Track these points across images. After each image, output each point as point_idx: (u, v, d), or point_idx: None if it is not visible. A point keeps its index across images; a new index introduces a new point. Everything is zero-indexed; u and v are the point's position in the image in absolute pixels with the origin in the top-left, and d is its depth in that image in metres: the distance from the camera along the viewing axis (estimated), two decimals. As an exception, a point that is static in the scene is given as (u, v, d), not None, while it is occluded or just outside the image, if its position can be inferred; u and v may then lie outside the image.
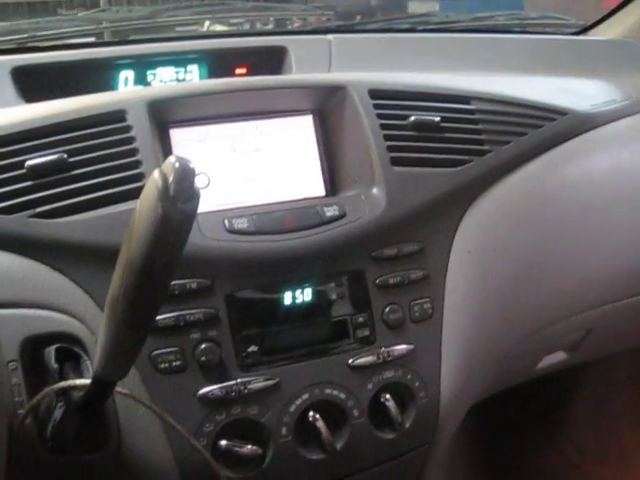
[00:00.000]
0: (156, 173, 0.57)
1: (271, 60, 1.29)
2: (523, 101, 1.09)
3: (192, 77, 1.27)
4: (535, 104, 1.09)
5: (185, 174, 0.57)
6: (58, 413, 0.77)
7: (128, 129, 0.87)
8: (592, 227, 1.11)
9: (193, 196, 0.58)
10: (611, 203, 1.13)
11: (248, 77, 1.24)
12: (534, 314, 1.06)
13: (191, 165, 0.57)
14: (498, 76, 1.24)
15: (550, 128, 1.08)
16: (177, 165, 0.57)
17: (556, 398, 1.65)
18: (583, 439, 1.63)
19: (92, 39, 1.42)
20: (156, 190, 0.56)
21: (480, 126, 1.03)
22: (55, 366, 0.79)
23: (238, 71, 1.29)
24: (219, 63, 1.28)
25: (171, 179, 0.57)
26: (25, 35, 1.32)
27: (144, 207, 0.58)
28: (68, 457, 0.79)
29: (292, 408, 0.87)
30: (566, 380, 1.58)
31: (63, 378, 0.78)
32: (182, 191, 0.57)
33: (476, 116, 1.04)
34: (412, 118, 0.98)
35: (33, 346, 0.79)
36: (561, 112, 1.10)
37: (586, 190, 1.11)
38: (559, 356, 1.25)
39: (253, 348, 0.87)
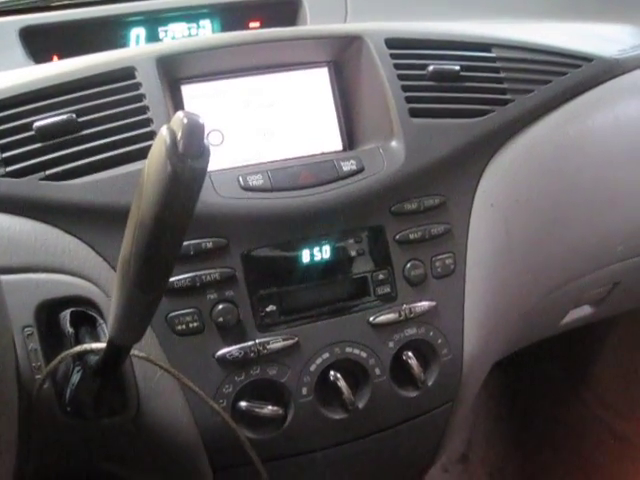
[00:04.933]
0: (164, 129, 0.55)
1: (285, 12, 1.26)
2: (546, 47, 1.05)
3: (205, 32, 1.25)
4: (559, 50, 1.05)
5: (194, 130, 0.54)
6: (76, 377, 0.77)
7: (137, 86, 0.85)
8: (620, 177, 1.07)
9: (203, 153, 0.55)
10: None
11: (260, 29, 1.21)
12: (560, 268, 1.04)
13: (200, 120, 0.55)
14: (520, 22, 1.19)
15: (575, 75, 1.04)
16: (185, 121, 0.54)
17: (582, 352, 1.64)
18: (608, 393, 1.61)
19: (101, -4, 1.40)
20: (164, 147, 0.54)
21: (502, 74, 0.99)
22: (71, 330, 0.78)
23: (252, 25, 1.27)
24: (232, 17, 1.26)
25: (179, 135, 0.54)
26: (33, -6, 1.29)
27: (153, 165, 0.56)
28: (87, 421, 0.78)
29: (312, 367, 0.86)
30: (592, 334, 1.56)
31: (79, 342, 0.77)
32: (191, 148, 0.54)
33: (497, 64, 1.00)
34: (431, 67, 0.95)
35: (48, 311, 0.78)
36: (586, 58, 1.06)
37: (613, 139, 1.07)
38: (585, 310, 1.22)
39: (271, 308, 0.85)
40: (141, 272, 0.61)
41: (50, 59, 1.13)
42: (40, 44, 1.13)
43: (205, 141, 0.56)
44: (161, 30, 1.23)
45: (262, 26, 1.26)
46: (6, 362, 0.58)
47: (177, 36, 1.24)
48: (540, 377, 1.72)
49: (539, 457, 1.69)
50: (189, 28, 1.24)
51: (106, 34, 1.18)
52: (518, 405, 1.75)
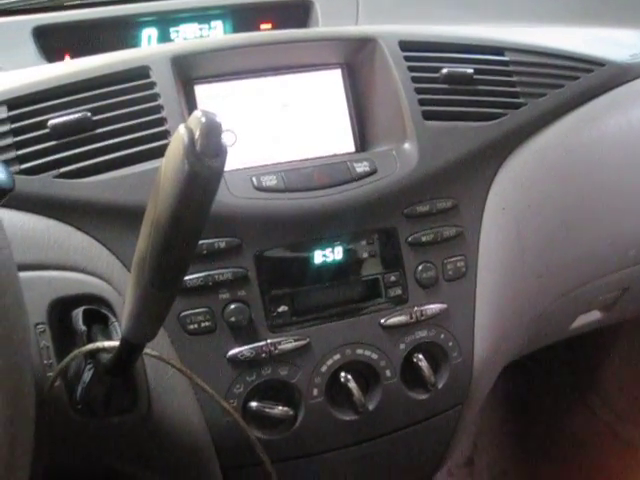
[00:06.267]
0: (182, 128, 0.55)
1: (297, 14, 1.27)
2: (559, 52, 1.05)
3: (216, 33, 1.25)
4: (571, 55, 1.05)
5: (212, 129, 0.54)
6: (87, 375, 0.77)
7: (152, 86, 0.85)
8: (631, 182, 1.07)
9: (220, 152, 0.55)
10: (651, 157, 1.09)
11: (274, 31, 1.21)
12: (570, 272, 1.04)
13: (218, 119, 0.55)
14: (533, 27, 1.19)
15: (587, 79, 1.04)
16: (203, 119, 0.54)
17: (589, 357, 1.64)
18: (616, 399, 1.61)
19: (114, -4, 1.40)
20: (182, 146, 0.54)
21: (514, 78, 1.00)
22: (83, 328, 0.78)
23: (263, 26, 1.27)
24: (243, 19, 1.26)
25: (197, 134, 0.54)
26: (46, -7, 1.30)
27: (170, 164, 0.56)
28: (98, 419, 0.78)
29: (323, 369, 0.86)
30: (599, 339, 1.56)
31: (91, 340, 0.77)
32: (209, 146, 0.54)
33: (510, 68, 1.00)
34: (444, 70, 0.95)
35: (61, 308, 0.79)
36: (599, 63, 1.06)
37: (625, 143, 1.07)
38: (594, 315, 1.22)
39: (283, 308, 0.85)
40: (157, 270, 0.61)
41: (62, 58, 1.14)
42: (53, 43, 1.13)
43: (222, 140, 0.56)
44: (173, 30, 1.23)
45: (273, 28, 1.27)
46: (24, 360, 0.58)
47: (189, 37, 1.24)
48: (547, 382, 1.71)
49: (545, 462, 1.68)
50: (200, 29, 1.25)
51: (118, 34, 1.19)
52: (524, 409, 1.75)
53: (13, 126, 0.81)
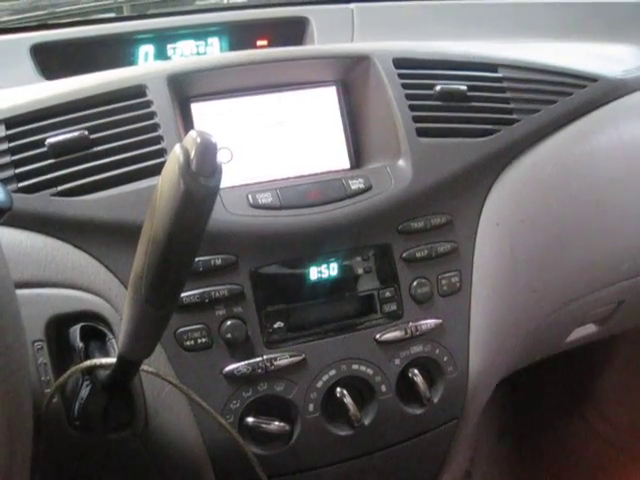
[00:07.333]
0: (177, 148, 0.55)
1: (293, 31, 1.28)
2: (552, 68, 1.06)
3: (213, 50, 1.26)
4: (564, 71, 1.06)
5: (207, 148, 0.55)
6: (84, 392, 0.77)
7: (149, 104, 0.86)
8: (624, 197, 1.08)
9: (216, 171, 0.56)
10: (644, 172, 1.10)
11: (270, 48, 1.22)
12: (565, 286, 1.04)
13: (213, 139, 0.56)
14: (526, 43, 1.20)
15: (580, 95, 1.05)
16: (199, 139, 0.55)
17: (584, 370, 1.64)
18: (611, 410, 1.61)
19: (111, 14, 1.41)
20: (177, 165, 0.55)
21: (508, 94, 1.01)
22: (80, 345, 0.78)
23: (259, 43, 1.28)
24: (240, 35, 1.27)
25: (193, 154, 0.55)
26: (44, 12, 1.31)
27: (166, 183, 0.57)
28: (95, 435, 0.78)
29: (319, 384, 0.87)
30: (594, 352, 1.56)
31: (89, 357, 0.77)
32: (204, 166, 0.55)
33: (504, 84, 1.01)
34: (438, 87, 0.96)
35: (58, 325, 0.79)
36: (591, 78, 1.07)
37: (618, 159, 1.08)
38: (589, 329, 1.22)
39: (279, 324, 0.86)
40: (153, 288, 0.61)
41: (60, 75, 1.14)
42: (51, 61, 1.14)
43: (217, 160, 0.56)
44: (170, 47, 1.24)
45: (270, 44, 1.28)
46: (22, 378, 0.58)
47: (185, 54, 1.25)
48: (543, 394, 1.72)
49: (542, 474, 1.68)
50: (197, 46, 1.26)
51: (115, 51, 1.20)
52: (521, 422, 1.75)
53: (11, 145, 0.82)
